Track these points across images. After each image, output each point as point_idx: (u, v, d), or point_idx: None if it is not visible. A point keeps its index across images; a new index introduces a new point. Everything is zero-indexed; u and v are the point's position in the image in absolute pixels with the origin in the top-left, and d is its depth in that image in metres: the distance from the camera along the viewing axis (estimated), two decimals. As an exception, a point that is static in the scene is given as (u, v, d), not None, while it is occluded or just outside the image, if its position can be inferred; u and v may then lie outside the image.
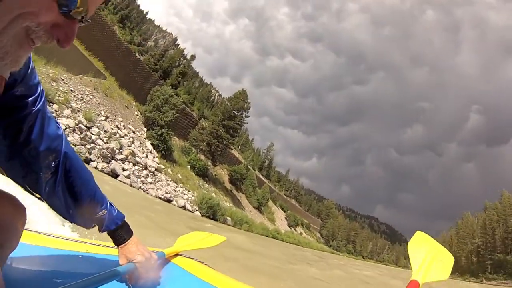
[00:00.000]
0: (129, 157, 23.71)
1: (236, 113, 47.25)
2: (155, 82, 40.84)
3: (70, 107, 20.20)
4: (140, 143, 28.43)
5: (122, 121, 27.18)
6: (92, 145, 20.41)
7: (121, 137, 24.81)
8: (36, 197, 1.07)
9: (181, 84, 50.39)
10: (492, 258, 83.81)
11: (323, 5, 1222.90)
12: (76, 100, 21.64)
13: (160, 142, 31.41)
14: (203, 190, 35.49)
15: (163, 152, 31.90)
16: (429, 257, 1.31)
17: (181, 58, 51.89)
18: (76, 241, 1.62)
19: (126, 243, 1.22)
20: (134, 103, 33.34)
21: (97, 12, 34.38)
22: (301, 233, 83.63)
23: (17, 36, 0.59)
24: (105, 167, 20.64)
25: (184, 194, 29.64)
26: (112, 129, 24.07)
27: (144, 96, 35.32)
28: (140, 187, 23.28)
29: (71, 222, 1.18)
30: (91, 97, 23.91)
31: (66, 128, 18.01)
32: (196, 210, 28.76)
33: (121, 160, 22.71)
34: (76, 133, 19.31)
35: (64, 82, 21.62)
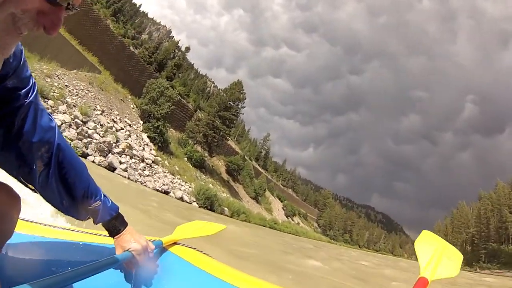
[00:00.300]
0: (126, 150, 23.91)
1: (232, 104, 47.31)
2: (150, 75, 40.84)
3: (66, 103, 20.29)
4: (137, 136, 28.59)
5: (118, 114, 27.30)
6: (89, 139, 20.57)
7: (117, 130, 24.98)
8: (30, 188, 1.08)
9: (176, 76, 50.32)
10: (486, 247, 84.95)
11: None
12: (71, 95, 21.71)
13: (156, 134, 31.57)
14: (200, 181, 35.78)
15: (159, 144, 32.09)
16: (437, 254, 1.31)
17: (176, 50, 51.70)
18: (71, 230, 1.60)
19: (121, 233, 1.23)
20: (129, 97, 33.39)
21: (89, 7, 34.40)
22: (298, 223, 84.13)
23: (2, 23, 0.59)
24: (102, 161, 20.86)
25: (182, 185, 29.93)
26: (108, 123, 24.21)
27: (139, 89, 35.38)
28: (138, 179, 23.52)
29: (66, 214, 1.18)
30: (86, 91, 23.97)
31: (62, 124, 18.15)
32: (194, 201, 29.07)
33: (118, 153, 22.93)
34: (72, 128, 19.47)
35: (58, 78, 21.69)
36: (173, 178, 29.61)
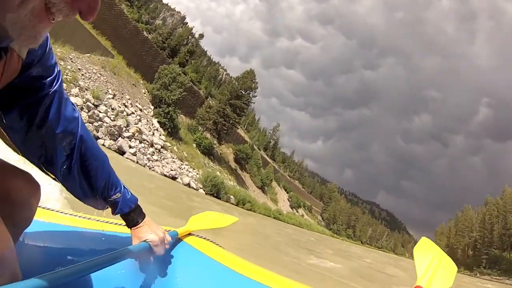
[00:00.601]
0: (135, 135, 24.18)
1: (243, 92, 47.27)
2: (162, 60, 40.86)
3: (78, 86, 20.57)
4: (147, 121, 28.85)
5: (129, 99, 27.53)
6: (100, 122, 20.88)
7: (128, 115, 25.24)
8: (51, 177, 1.08)
9: (189, 62, 50.31)
10: (488, 253, 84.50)
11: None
12: (84, 79, 21.97)
13: (166, 120, 31.79)
14: (208, 168, 36.03)
15: (169, 130, 32.35)
16: (434, 264, 1.33)
17: (190, 37, 51.62)
18: (89, 219, 1.60)
19: (139, 225, 1.23)
20: (141, 81, 33.58)
21: (104, -9, 34.36)
22: (302, 215, 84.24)
23: (35, 10, 0.56)
24: (112, 145, 21.16)
25: (189, 172, 30.22)
26: (120, 107, 24.46)
27: (151, 75, 35.52)
28: (146, 164, 23.83)
29: (85, 204, 1.19)
30: (99, 75, 24.20)
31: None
32: (200, 188, 29.34)
33: (127, 137, 23.20)
34: (84, 111, 19.76)
35: (72, 61, 21.92)
36: (181, 164, 29.89)
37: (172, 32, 49.35)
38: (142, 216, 1.25)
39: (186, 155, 32.76)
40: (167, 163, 27.10)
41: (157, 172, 24.30)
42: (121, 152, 21.81)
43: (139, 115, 27.69)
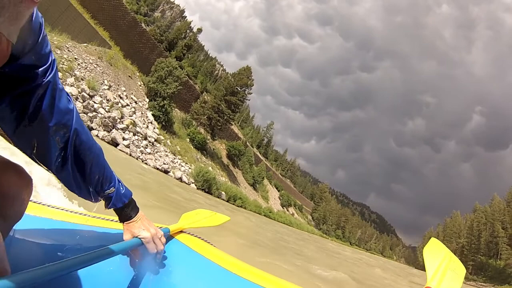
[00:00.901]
0: (129, 127, 24.12)
1: (239, 89, 47.19)
2: (160, 53, 40.76)
3: (74, 75, 20.49)
4: (142, 113, 28.78)
5: (125, 91, 27.43)
6: (94, 113, 20.81)
7: (123, 106, 25.16)
8: (45, 169, 1.05)
9: (186, 56, 50.20)
10: (475, 259, 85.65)
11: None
12: (80, 69, 21.86)
13: (161, 113, 31.72)
14: (200, 163, 35.99)
15: (163, 123, 32.31)
16: (443, 265, 1.32)
17: (188, 31, 51.46)
18: (81, 214, 1.58)
19: (132, 220, 1.22)
20: (137, 74, 33.44)
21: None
22: (293, 214, 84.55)
23: None
24: (106, 136, 21.12)
25: (182, 166, 30.18)
26: (115, 99, 24.38)
27: (148, 67, 35.38)
28: (139, 157, 23.80)
29: (79, 196, 1.16)
30: (95, 66, 24.08)
31: (69, 96, 18.38)
32: (192, 183, 29.36)
33: (121, 129, 23.14)
34: (79, 102, 19.70)
35: (68, 50, 21.81)
36: (174, 158, 29.86)
37: (170, 25, 49.24)
38: (136, 210, 1.24)
39: (179, 149, 32.72)
40: (160, 157, 27.06)
41: (149, 165, 24.27)
42: (115, 143, 21.77)
43: (134, 107, 27.61)
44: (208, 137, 44.37)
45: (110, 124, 21.88)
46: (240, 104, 48.98)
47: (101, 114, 21.43)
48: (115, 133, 22.01)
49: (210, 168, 36.87)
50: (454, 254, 1.47)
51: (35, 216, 1.45)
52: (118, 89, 26.28)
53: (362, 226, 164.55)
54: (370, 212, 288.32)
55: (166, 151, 29.11)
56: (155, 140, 27.75)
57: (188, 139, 38.46)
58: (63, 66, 19.63)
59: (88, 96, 20.79)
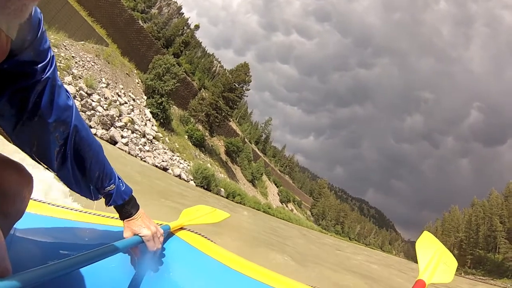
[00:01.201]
0: (128, 125, 24.12)
1: (237, 85, 47.13)
2: (157, 50, 40.62)
3: (71, 74, 20.46)
4: (140, 111, 28.75)
5: (122, 88, 27.39)
6: (92, 111, 20.81)
7: (121, 104, 25.11)
8: (44, 167, 1.03)
9: (183, 53, 50.06)
10: (473, 253, 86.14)
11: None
12: (77, 67, 21.81)
13: (159, 110, 31.74)
14: (199, 160, 36.08)
15: (161, 120, 32.32)
16: (435, 258, 1.35)
17: (185, 27, 51.33)
18: (81, 211, 1.57)
19: (132, 217, 1.21)
20: (135, 71, 33.38)
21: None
22: (292, 210, 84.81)
23: None
24: (104, 134, 21.13)
25: (180, 163, 30.25)
26: (113, 96, 24.36)
27: (146, 64, 35.35)
28: (138, 154, 23.82)
29: (79, 194, 1.15)
30: (93, 64, 24.02)
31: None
32: (191, 180, 29.41)
33: (120, 127, 23.14)
34: (77, 100, 19.68)
35: (65, 49, 21.74)
36: (173, 155, 29.91)
37: (167, 22, 49.06)
38: (136, 208, 1.24)
39: (177, 146, 32.75)
40: (159, 154, 27.10)
41: (148, 163, 24.31)
42: (113, 141, 21.78)
43: (132, 105, 27.58)
44: (206, 133, 44.34)
45: (108, 122, 21.88)
46: (238, 100, 48.96)
47: (99, 112, 21.42)
48: (113, 131, 22.02)
49: (208, 165, 36.95)
50: (453, 248, 1.50)
51: (36, 214, 1.44)
52: (116, 87, 26.23)
53: (361, 221, 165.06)
54: (369, 207, 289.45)
55: (165, 149, 29.14)
56: (154, 138, 27.76)
57: (186, 136, 38.45)
58: (61, 64, 19.60)
59: (86, 95, 20.77)
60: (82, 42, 25.09)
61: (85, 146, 1.06)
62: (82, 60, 22.86)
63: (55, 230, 1.42)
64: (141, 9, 48.06)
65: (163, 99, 32.01)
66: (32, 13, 0.77)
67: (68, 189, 1.15)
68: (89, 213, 1.56)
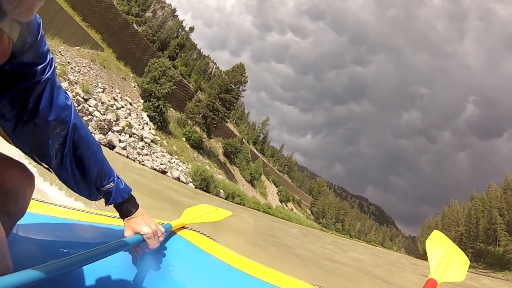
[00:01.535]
0: (125, 129, 24.12)
1: (233, 86, 47.09)
2: (152, 54, 40.62)
3: (68, 80, 20.48)
4: (137, 114, 28.74)
5: (119, 92, 27.38)
6: (90, 117, 20.83)
7: (118, 108, 25.12)
8: (44, 167, 1.06)
9: (179, 56, 50.03)
10: (474, 247, 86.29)
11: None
12: (73, 72, 21.82)
13: (156, 114, 31.73)
14: (197, 162, 36.03)
15: (159, 124, 32.29)
16: (446, 257, 1.33)
17: (180, 30, 51.32)
18: (82, 211, 1.57)
19: (132, 215, 1.22)
20: (131, 75, 33.33)
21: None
22: (292, 209, 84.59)
23: None
24: (102, 139, 21.14)
25: (179, 166, 30.21)
26: (109, 101, 24.34)
27: (141, 68, 35.29)
28: (136, 158, 23.82)
29: (78, 194, 1.16)
30: (89, 69, 23.99)
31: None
32: (190, 182, 29.42)
33: (117, 131, 23.15)
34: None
35: (61, 54, 21.73)
36: (171, 158, 29.89)
37: (162, 25, 48.96)
38: (136, 206, 1.24)
39: (175, 149, 32.75)
40: (157, 157, 27.09)
41: (147, 166, 24.31)
42: (111, 146, 21.80)
43: (129, 109, 27.57)
44: (204, 135, 44.36)
45: (106, 127, 21.90)
46: (235, 101, 48.93)
47: (97, 117, 21.44)
48: (111, 136, 22.04)
49: (207, 166, 36.90)
50: (453, 241, 1.52)
51: (37, 214, 1.44)
52: (112, 91, 26.22)
53: (361, 218, 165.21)
54: (369, 204, 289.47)
55: (163, 152, 29.13)
56: (151, 141, 27.75)
57: (184, 139, 38.42)
58: (56, 70, 19.49)
59: (82, 100, 20.81)
60: (77, 47, 25.05)
61: (84, 145, 1.08)
62: (78, 66, 22.84)
63: (56, 229, 1.43)
64: (135, 12, 47.97)
65: (159, 102, 32.00)
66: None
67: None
68: (90, 213, 1.56)
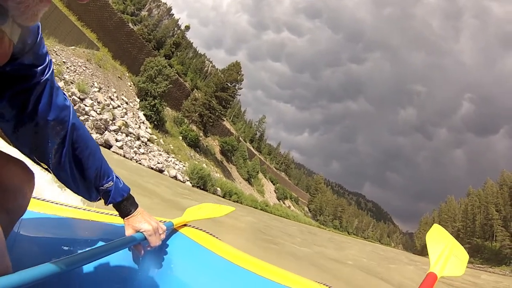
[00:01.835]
0: (122, 128, 24.13)
1: (229, 85, 46.98)
2: (148, 52, 40.54)
3: (63, 79, 20.43)
4: (133, 113, 28.74)
5: (115, 92, 27.35)
6: (86, 116, 20.80)
7: (114, 108, 25.12)
8: (43, 167, 1.06)
9: (175, 54, 49.96)
10: (471, 242, 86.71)
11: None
12: (69, 72, 21.79)
13: (152, 112, 31.74)
14: (194, 160, 36.04)
15: (155, 122, 32.33)
16: (446, 252, 1.34)
17: (176, 29, 51.33)
18: (83, 209, 1.57)
19: (132, 214, 1.22)
20: (127, 74, 33.31)
21: (90, -18, 34.02)
22: (289, 206, 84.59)
23: None
24: (99, 138, 21.14)
25: (176, 164, 30.25)
26: (105, 100, 24.33)
27: (137, 67, 35.26)
28: (133, 157, 23.84)
29: (77, 195, 1.17)
30: (84, 68, 23.97)
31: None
32: (187, 181, 29.45)
33: (114, 131, 23.16)
34: (70, 105, 19.64)
35: (56, 54, 21.69)
36: (168, 157, 29.92)
37: (158, 24, 48.92)
38: (135, 205, 1.24)
39: (172, 147, 32.78)
40: (154, 156, 27.11)
41: (144, 165, 24.33)
42: (108, 145, 21.80)
43: (125, 108, 27.58)
44: (201, 134, 44.31)
45: (102, 126, 21.90)
46: (231, 99, 48.89)
47: (93, 116, 21.43)
48: (107, 135, 22.04)
49: (204, 165, 36.90)
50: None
51: (38, 212, 1.42)
52: (108, 90, 26.19)
53: (359, 215, 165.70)
54: (366, 201, 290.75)
55: (160, 150, 29.15)
56: (148, 140, 27.77)
57: (180, 137, 38.43)
58: (52, 70, 19.55)
59: (78, 100, 20.79)
60: (73, 47, 25.02)
61: (83, 145, 1.08)
62: (74, 65, 22.80)
63: (57, 228, 1.41)
64: (130, 11, 47.83)
65: (156, 101, 32.01)
66: None
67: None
68: (91, 211, 1.55)
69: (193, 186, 29.44)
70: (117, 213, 1.24)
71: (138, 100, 31.50)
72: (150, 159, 26.01)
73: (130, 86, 32.14)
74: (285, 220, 52.01)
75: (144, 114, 30.66)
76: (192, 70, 57.36)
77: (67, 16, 26.40)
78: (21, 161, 1.01)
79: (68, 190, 1.16)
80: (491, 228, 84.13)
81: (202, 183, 31.06)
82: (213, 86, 46.22)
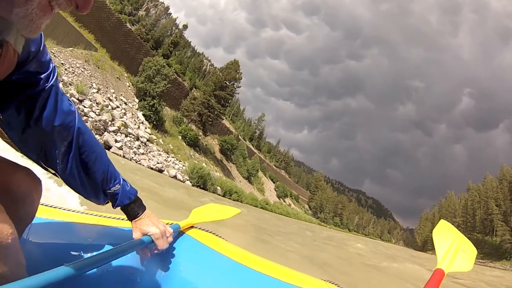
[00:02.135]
0: (121, 129, 24.14)
1: (228, 83, 47.06)
2: (146, 52, 40.54)
3: (62, 81, 20.43)
4: (132, 114, 28.76)
5: (114, 92, 27.37)
6: (85, 118, 20.82)
7: (113, 108, 25.14)
8: (51, 172, 1.07)
9: (173, 54, 49.90)
10: (471, 237, 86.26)
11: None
12: (67, 74, 21.81)
13: (151, 112, 31.77)
14: (194, 160, 36.13)
15: (154, 122, 32.35)
16: (454, 247, 1.34)
17: (173, 28, 51.23)
18: (90, 214, 1.58)
19: (139, 217, 1.22)
20: (125, 74, 33.33)
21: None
22: (289, 204, 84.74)
23: (41, 4, 0.62)
24: (98, 139, 21.01)
25: (175, 164, 30.29)
26: (104, 101, 24.35)
27: (136, 67, 35.29)
28: (133, 158, 23.86)
29: (85, 198, 1.18)
30: (83, 69, 24.00)
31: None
32: (187, 180, 29.47)
33: (113, 131, 23.18)
34: (69, 106, 19.66)
35: (54, 56, 21.73)
36: (167, 157, 29.95)
37: (155, 24, 48.86)
38: (143, 208, 1.25)
39: (172, 147, 32.80)
40: (154, 156, 27.14)
41: (143, 165, 24.34)
42: (107, 146, 21.82)
43: (124, 109, 27.59)
44: (200, 133, 44.34)
45: (101, 127, 21.92)
46: (230, 98, 48.85)
47: (92, 118, 21.45)
48: (107, 136, 22.06)
49: (204, 164, 36.95)
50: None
51: (46, 219, 1.42)
52: (107, 91, 26.21)
53: (359, 212, 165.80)
54: (366, 197, 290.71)
55: (159, 150, 29.17)
56: (148, 140, 27.80)
57: (180, 137, 38.48)
58: (51, 72, 19.56)
59: (77, 101, 20.80)
60: (71, 48, 25.02)
61: (89, 149, 1.09)
62: (72, 67, 22.83)
63: (65, 233, 1.42)
64: (128, 11, 47.75)
65: (155, 101, 32.03)
66: None
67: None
68: (99, 216, 1.56)
69: (193, 185, 29.46)
70: (124, 217, 1.26)
71: (137, 100, 31.52)
72: (149, 159, 26.03)
73: (129, 86, 32.16)
74: (286, 218, 52.04)
75: (143, 114, 30.67)
76: (191, 69, 57.32)
77: (64, 18, 26.35)
78: (28, 168, 1.02)
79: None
80: (491, 223, 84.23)
81: (202, 182, 31.09)
82: (212, 85, 46.21)
